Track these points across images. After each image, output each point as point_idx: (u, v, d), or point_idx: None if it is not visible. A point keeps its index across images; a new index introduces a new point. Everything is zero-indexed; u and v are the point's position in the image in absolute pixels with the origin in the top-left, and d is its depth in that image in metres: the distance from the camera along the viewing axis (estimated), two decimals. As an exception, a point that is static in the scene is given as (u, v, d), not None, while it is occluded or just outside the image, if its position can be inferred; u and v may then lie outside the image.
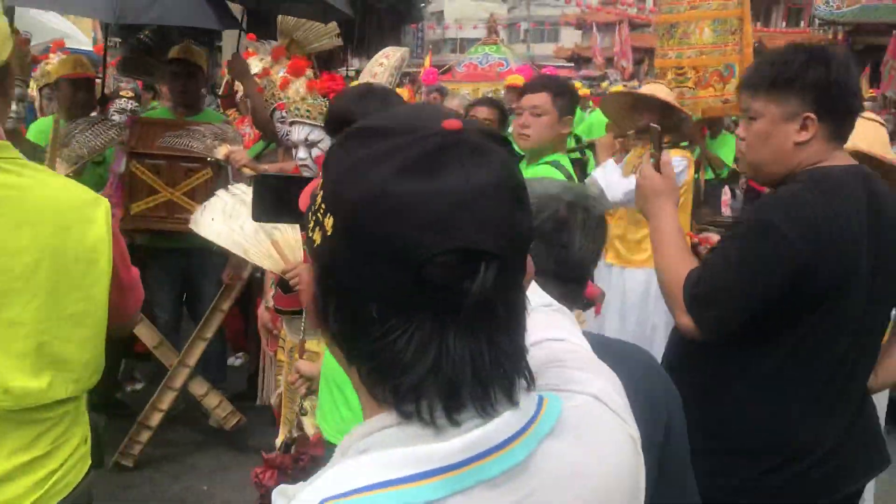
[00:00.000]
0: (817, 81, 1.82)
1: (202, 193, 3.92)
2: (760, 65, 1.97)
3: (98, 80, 4.42)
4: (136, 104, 5.25)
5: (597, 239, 1.43)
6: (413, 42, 46.35)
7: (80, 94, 4.14)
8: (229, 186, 3.22)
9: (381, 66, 4.46)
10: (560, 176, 3.00)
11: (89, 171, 4.22)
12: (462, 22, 51.06)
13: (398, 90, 4.56)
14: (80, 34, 10.81)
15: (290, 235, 2.97)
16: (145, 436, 3.91)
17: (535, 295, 1.05)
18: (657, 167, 2.07)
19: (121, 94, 5.27)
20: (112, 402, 4.57)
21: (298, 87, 3.44)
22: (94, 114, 4.09)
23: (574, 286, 1.42)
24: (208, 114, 4.29)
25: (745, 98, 1.94)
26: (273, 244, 2.98)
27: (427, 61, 10.61)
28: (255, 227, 2.99)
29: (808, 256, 1.74)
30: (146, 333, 3.95)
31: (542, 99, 3.10)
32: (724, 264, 1.86)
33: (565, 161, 3.21)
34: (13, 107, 3.54)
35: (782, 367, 1.85)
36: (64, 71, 4.14)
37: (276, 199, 1.37)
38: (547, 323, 0.96)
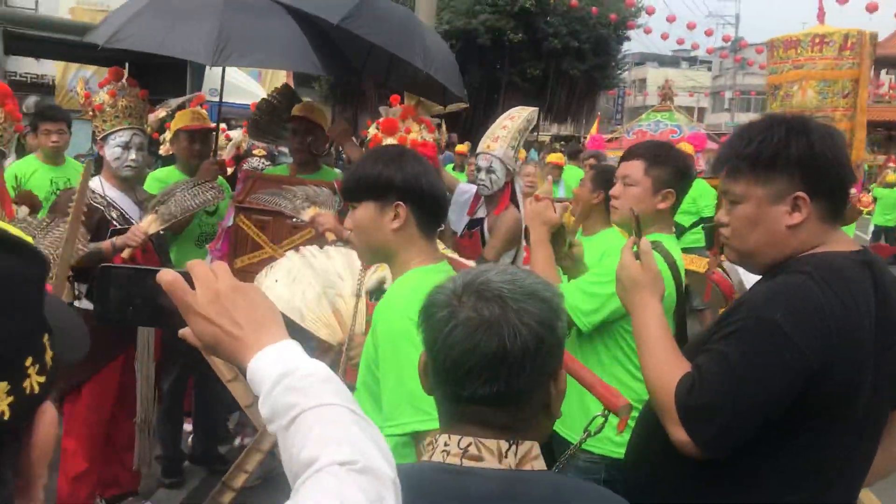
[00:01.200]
0: (801, 156, 1.63)
1: (304, 253, 3.87)
2: (734, 141, 1.75)
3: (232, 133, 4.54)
4: (269, 163, 5.35)
5: (474, 351, 1.17)
6: (612, 109, 46.17)
7: (196, 145, 4.23)
8: (300, 248, 3.12)
9: (504, 129, 4.26)
10: (659, 260, 2.62)
11: (201, 222, 4.29)
12: (660, 89, 50.04)
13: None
14: (263, 93, 11.45)
15: (351, 306, 2.79)
16: (228, 497, 3.80)
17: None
18: (636, 255, 1.89)
19: (254, 152, 5.41)
20: (213, 455, 4.55)
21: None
22: (213, 163, 4.15)
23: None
24: (325, 172, 4.24)
25: (725, 181, 1.75)
26: (335, 314, 2.82)
27: (594, 128, 10.29)
28: (318, 294, 2.84)
29: (819, 361, 1.55)
30: (240, 392, 3.87)
31: (633, 168, 2.76)
32: (720, 371, 1.62)
33: (670, 243, 2.81)
34: (132, 155, 3.64)
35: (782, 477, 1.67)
36: (182, 123, 4.25)
37: (124, 295, 1.14)
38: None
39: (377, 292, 3.00)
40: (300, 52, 3.69)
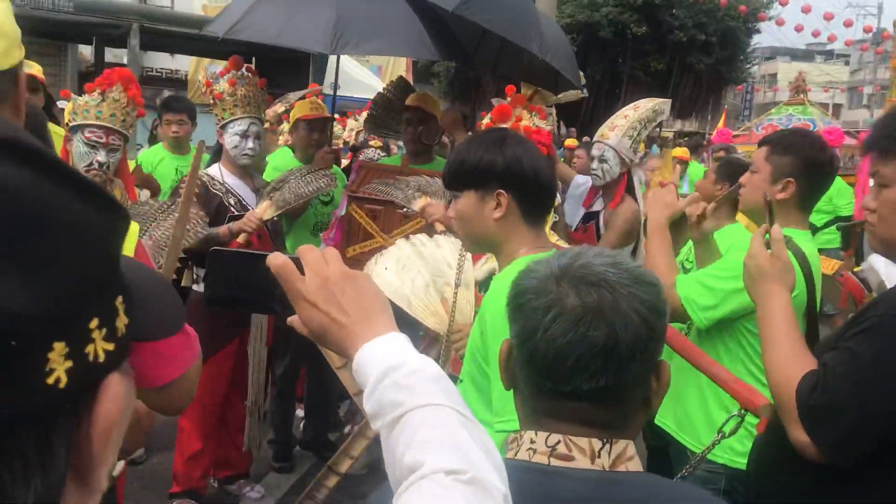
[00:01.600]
0: None
1: (415, 242, 3.85)
2: (887, 121, 1.63)
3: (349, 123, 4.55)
4: (384, 153, 5.36)
5: (582, 340, 1.05)
6: (740, 105, 44.46)
7: (315, 134, 4.27)
8: (410, 237, 3.08)
9: (625, 119, 4.10)
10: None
11: (316, 211, 4.33)
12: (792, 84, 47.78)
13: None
14: (381, 86, 11.58)
15: (462, 295, 2.73)
16: (333, 481, 3.82)
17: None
18: (768, 244, 1.78)
19: (370, 143, 5.43)
20: (323, 441, 4.60)
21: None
22: (329, 151, 4.18)
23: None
24: (438, 163, 4.20)
25: (874, 162, 1.60)
26: (442, 302, 2.76)
27: (721, 122, 9.85)
28: (426, 282, 2.80)
29: None
30: (349, 380, 3.88)
31: (758, 154, 2.58)
32: (849, 370, 1.50)
33: (802, 239, 2.60)
34: (249, 143, 3.71)
35: None
36: (301, 113, 4.30)
37: (233, 278, 1.09)
38: None
39: (487, 284, 2.93)
40: (417, 39, 3.66)
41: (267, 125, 5.10)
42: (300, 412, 4.81)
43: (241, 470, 4.04)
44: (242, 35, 3.64)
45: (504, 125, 3.14)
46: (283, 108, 4.73)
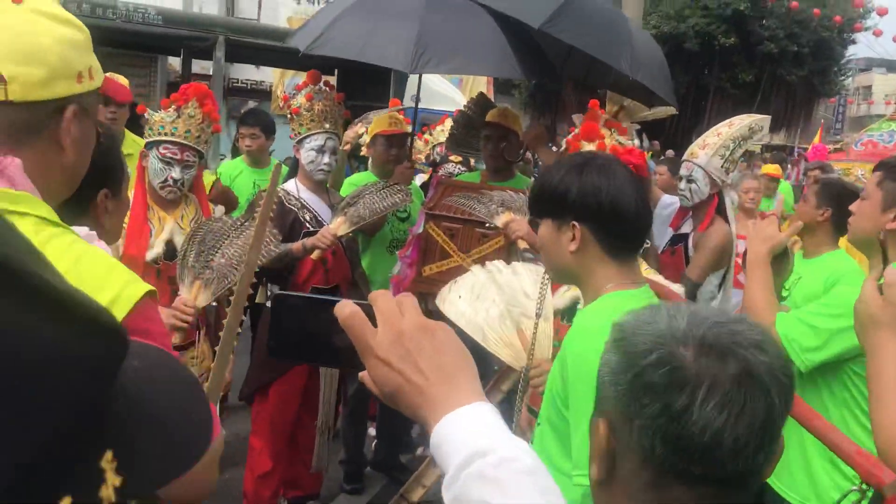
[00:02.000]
0: None
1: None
2: None
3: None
4: (464, 169, 5.24)
5: (741, 415, 0.86)
6: (832, 118, 42.95)
7: (393, 150, 4.18)
8: (486, 263, 2.93)
9: (718, 137, 3.88)
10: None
11: (393, 227, 4.23)
12: (893, 98, 46.00)
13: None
14: (463, 99, 11.49)
15: (541, 328, 2.57)
16: (405, 509, 3.71)
17: None
18: (881, 287, 1.61)
19: (450, 158, 5.31)
20: (394, 463, 4.49)
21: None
22: (408, 167, 4.09)
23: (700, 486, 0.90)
24: (518, 180, 4.06)
25: None
26: (518, 333, 2.61)
27: (817, 137, 9.37)
28: (501, 312, 2.65)
29: None
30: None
31: (870, 179, 2.37)
32: None
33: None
34: (325, 158, 3.64)
35: None
36: (379, 128, 4.21)
37: (298, 327, 0.96)
38: None
39: (570, 312, 2.77)
40: (500, 56, 3.53)
41: (346, 147, 5.04)
42: (372, 431, 4.72)
43: (312, 491, 3.96)
44: (324, 50, 3.59)
45: (590, 144, 2.97)
46: (363, 130, 4.66)
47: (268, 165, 5.06)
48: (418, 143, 5.90)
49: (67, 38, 1.18)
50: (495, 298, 2.64)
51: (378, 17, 3.63)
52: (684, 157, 4.00)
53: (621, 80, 3.76)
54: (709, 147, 3.78)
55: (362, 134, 4.86)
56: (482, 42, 3.59)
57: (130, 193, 2.68)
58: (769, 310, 2.37)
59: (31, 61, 1.14)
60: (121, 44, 8.78)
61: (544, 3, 3.57)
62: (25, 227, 1.09)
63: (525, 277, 2.72)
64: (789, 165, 11.57)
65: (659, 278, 2.50)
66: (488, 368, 3.14)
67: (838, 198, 3.31)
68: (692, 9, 22.61)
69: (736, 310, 4.03)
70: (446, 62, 3.46)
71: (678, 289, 2.51)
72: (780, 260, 2.41)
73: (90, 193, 1.63)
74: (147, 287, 1.18)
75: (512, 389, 3.37)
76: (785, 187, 9.09)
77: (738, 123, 3.90)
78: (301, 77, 12.43)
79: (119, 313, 1.11)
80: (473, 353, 0.87)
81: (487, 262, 2.84)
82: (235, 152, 6.35)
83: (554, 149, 3.71)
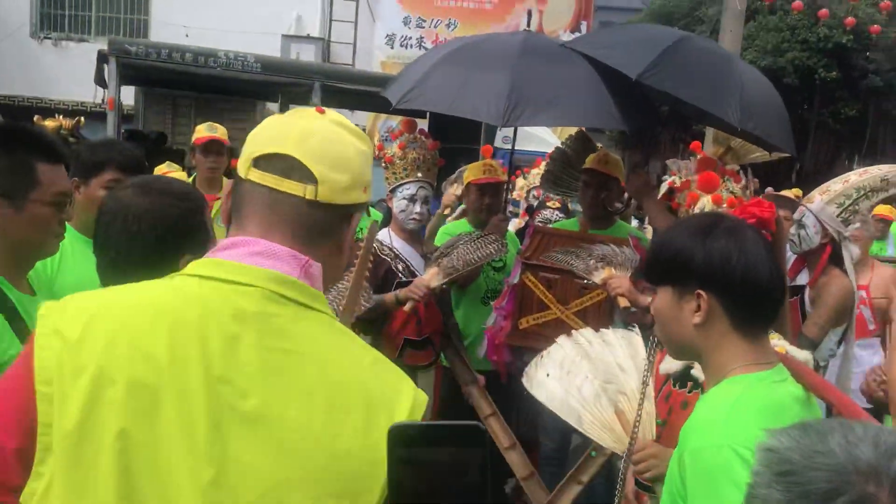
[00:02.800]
0: None
1: (594, 316, 3.53)
2: None
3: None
4: (562, 215, 5.09)
5: None
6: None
7: (486, 198, 4.08)
8: (573, 333, 2.72)
9: (843, 184, 3.62)
10: None
11: (488, 278, 4.12)
12: None
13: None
14: (557, 141, 11.35)
15: (645, 407, 2.38)
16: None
17: None
18: None
19: (547, 203, 5.18)
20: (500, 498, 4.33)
21: (704, 204, 2.86)
22: (503, 219, 3.98)
23: None
24: (618, 227, 3.89)
25: None
26: (618, 415, 2.41)
27: None
28: (596, 390, 2.45)
29: None
30: (517, 462, 3.59)
31: None
32: None
33: None
34: (417, 207, 3.57)
35: None
36: (473, 176, 4.12)
37: (414, 461, 0.82)
38: None
39: (683, 377, 2.57)
40: (596, 106, 3.41)
41: (447, 211, 4.95)
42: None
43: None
44: (415, 104, 3.56)
45: (707, 195, 2.79)
46: (459, 190, 4.58)
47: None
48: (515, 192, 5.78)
49: (364, 152, 1.25)
50: (588, 374, 2.44)
51: (470, 69, 3.55)
52: (803, 200, 3.78)
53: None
54: (828, 193, 3.54)
55: (461, 196, 4.77)
56: (577, 92, 3.48)
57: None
58: None
59: (339, 168, 1.20)
60: (222, 90, 9.06)
61: (643, 51, 3.43)
62: (321, 324, 1.17)
63: (618, 349, 2.52)
64: (902, 204, 10.94)
65: (785, 344, 2.29)
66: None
67: None
68: (790, 42, 21.96)
69: (863, 369, 3.73)
70: (539, 114, 3.36)
71: (805, 357, 2.29)
72: None
73: (173, 258, 1.55)
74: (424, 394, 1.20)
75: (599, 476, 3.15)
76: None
77: (872, 173, 3.63)
78: (394, 120, 12.54)
79: (417, 418, 1.14)
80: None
81: (575, 334, 2.64)
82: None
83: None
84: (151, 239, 1.59)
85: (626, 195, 3.91)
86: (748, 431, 1.38)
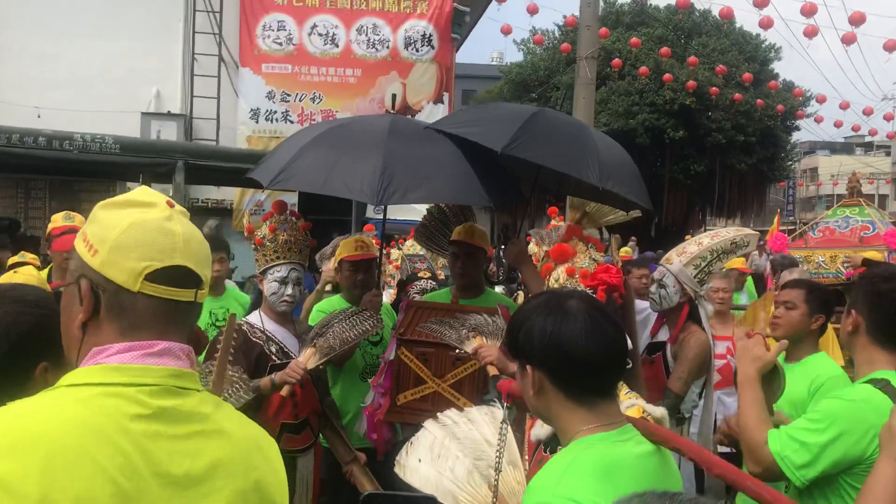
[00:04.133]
0: None
1: (469, 386, 3.58)
2: None
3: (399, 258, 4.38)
4: (435, 283, 5.17)
5: None
6: (783, 200, 44.16)
7: (360, 274, 4.10)
8: (438, 416, 2.76)
9: (697, 246, 3.86)
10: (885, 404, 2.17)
11: (365, 353, 4.11)
12: (839, 178, 47.66)
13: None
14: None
15: (510, 477, 2.43)
16: None
17: None
18: None
19: (419, 275, 5.25)
20: None
21: (559, 274, 2.98)
22: (377, 294, 4.00)
23: None
24: (487, 296, 3.99)
25: None
26: (490, 489, 2.45)
27: (774, 225, 9.43)
28: (468, 468, 2.48)
29: None
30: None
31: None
32: None
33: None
34: (288, 290, 3.54)
35: None
36: (346, 252, 4.14)
37: None
38: None
39: (553, 441, 2.64)
40: (465, 184, 3.51)
41: (329, 287, 4.93)
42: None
43: None
44: (287, 185, 3.56)
45: (562, 266, 2.91)
46: (335, 264, 4.60)
47: (224, 292, 4.90)
48: (388, 268, 5.82)
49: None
50: (457, 454, 2.48)
51: (340, 150, 3.59)
52: (661, 261, 3.99)
53: (593, 187, 3.76)
54: (685, 255, 3.77)
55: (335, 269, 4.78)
56: (445, 170, 3.57)
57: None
58: (761, 428, 2.32)
59: (207, 264, 1.35)
60: (80, 172, 8.74)
61: (505, 126, 3.57)
62: (206, 401, 1.32)
63: (483, 425, 2.57)
64: (755, 253, 11.67)
65: (641, 402, 2.40)
66: None
67: (829, 305, 3.30)
68: (640, 105, 23.38)
69: (720, 417, 3.94)
70: (412, 192, 3.41)
71: (661, 413, 2.41)
72: (770, 378, 2.36)
73: (30, 366, 1.56)
74: None
75: None
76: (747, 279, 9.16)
77: (722, 236, 3.89)
78: (262, 194, 12.37)
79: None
80: None
81: (440, 416, 2.68)
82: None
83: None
84: (4, 348, 1.57)
85: (505, 263, 4.03)
86: (576, 487, 1.48)
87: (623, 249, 10.48)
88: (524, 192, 4.30)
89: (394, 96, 5.00)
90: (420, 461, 2.43)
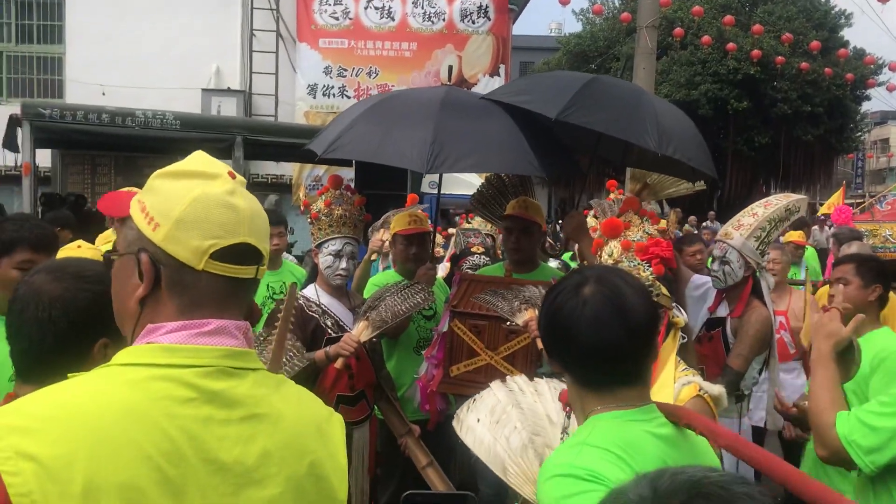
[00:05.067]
0: None
1: (522, 359, 3.57)
2: None
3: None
4: (488, 259, 5.13)
5: None
6: (851, 173, 42.76)
7: (413, 248, 4.10)
8: (507, 380, 2.75)
9: (753, 217, 3.75)
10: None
11: (419, 327, 4.12)
12: (910, 149, 46.00)
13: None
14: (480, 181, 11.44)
15: None
16: None
17: None
18: None
19: (472, 249, 5.22)
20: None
21: (612, 249, 2.92)
22: (430, 268, 3.99)
23: None
24: (542, 270, 3.95)
25: None
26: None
27: (838, 197, 9.05)
28: (524, 442, 2.45)
29: None
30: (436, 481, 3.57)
31: None
32: None
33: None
34: (342, 263, 3.56)
35: None
36: (399, 227, 4.14)
37: None
38: None
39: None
40: (517, 154, 3.47)
41: (374, 257, 4.95)
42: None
43: None
44: (340, 153, 3.57)
45: (614, 241, 2.85)
46: (387, 237, 4.60)
47: (281, 266, 4.96)
48: (438, 238, 5.80)
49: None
50: (517, 425, 2.44)
51: (393, 120, 3.60)
52: (717, 236, 3.89)
53: (655, 156, 3.67)
54: (744, 228, 3.66)
55: (386, 241, 4.79)
56: (498, 140, 3.54)
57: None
58: (832, 409, 2.22)
59: (266, 238, 1.31)
60: (141, 148, 8.92)
61: (559, 93, 3.52)
62: (265, 382, 1.27)
63: (549, 400, 2.54)
64: (815, 228, 11.33)
65: (698, 379, 2.35)
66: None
67: (884, 274, 3.19)
68: (702, 75, 22.81)
69: (787, 392, 3.84)
70: (462, 161, 3.40)
71: (719, 390, 2.35)
72: (846, 355, 2.27)
73: (89, 344, 1.53)
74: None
75: None
76: (809, 251, 8.91)
77: (775, 204, 3.78)
78: (321, 168, 12.47)
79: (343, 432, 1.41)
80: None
81: (509, 380, 2.66)
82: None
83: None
84: (64, 326, 1.55)
85: (563, 236, 3.98)
86: (595, 459, 1.45)
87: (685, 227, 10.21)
88: (582, 166, 4.24)
89: (450, 68, 4.99)
90: (478, 421, 2.42)
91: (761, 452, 1.46)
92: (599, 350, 1.55)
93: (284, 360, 3.08)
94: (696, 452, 1.61)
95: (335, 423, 1.37)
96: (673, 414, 1.61)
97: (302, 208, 3.77)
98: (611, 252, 2.84)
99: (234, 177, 1.27)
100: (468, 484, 4.02)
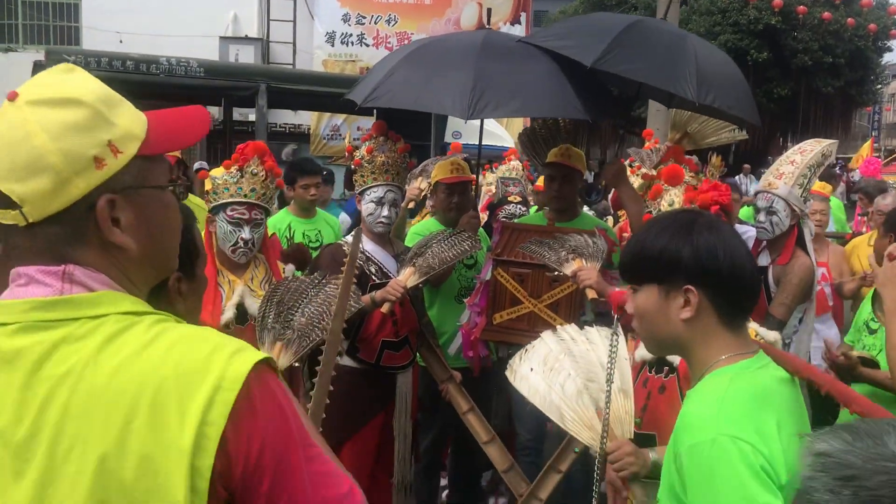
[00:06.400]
0: None
1: (566, 308, 3.59)
2: None
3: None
4: (525, 208, 5.13)
5: None
6: (868, 125, 42.26)
7: (455, 197, 4.10)
8: (558, 329, 2.76)
9: (792, 165, 3.74)
10: None
11: (460, 276, 4.15)
12: (930, 102, 45.35)
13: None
14: (508, 136, 11.39)
15: (619, 404, 2.43)
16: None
17: None
18: None
19: (509, 199, 5.22)
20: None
21: (672, 197, 2.92)
22: (474, 216, 4.00)
23: None
24: (583, 219, 3.95)
25: None
26: (598, 413, 2.46)
27: (864, 148, 8.99)
28: (578, 388, 2.48)
29: None
30: (496, 455, 3.63)
31: None
32: None
33: None
34: (384, 211, 3.57)
35: None
36: (441, 175, 4.13)
37: None
38: None
39: (658, 362, 2.64)
40: (560, 98, 3.42)
41: (412, 205, 4.95)
42: (443, 481, 4.61)
43: (389, 547, 3.84)
44: (380, 102, 3.54)
45: (675, 189, 2.85)
46: (426, 185, 4.58)
47: (315, 215, 4.98)
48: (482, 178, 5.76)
49: (66, 125, 1.02)
50: (570, 372, 2.47)
51: (432, 67, 3.55)
52: (759, 187, 3.87)
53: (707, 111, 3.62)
54: (786, 176, 3.65)
55: (424, 190, 4.78)
56: (539, 84, 3.49)
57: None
58: None
59: (32, 173, 1.00)
60: (164, 96, 8.88)
61: (598, 38, 3.46)
62: (105, 330, 1.01)
63: (601, 347, 2.55)
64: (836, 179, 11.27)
65: (755, 326, 2.36)
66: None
67: None
68: (722, 25, 22.44)
69: (820, 343, 3.86)
70: (504, 106, 3.36)
71: (774, 337, 2.37)
72: None
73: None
74: (254, 358, 1.02)
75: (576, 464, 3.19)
76: (835, 203, 8.86)
77: (811, 150, 3.76)
78: (339, 118, 12.40)
79: (226, 400, 0.98)
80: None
81: (560, 329, 2.67)
82: (282, 202, 6.25)
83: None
84: None
85: (602, 184, 3.96)
86: (741, 421, 1.45)
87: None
88: (624, 113, 4.19)
89: (489, 10, 4.89)
90: (532, 370, 2.45)
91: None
92: (752, 280, 1.63)
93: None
94: (801, 397, 1.64)
95: (194, 387, 0.98)
96: (789, 363, 1.61)
97: (346, 155, 3.76)
98: (671, 201, 2.84)
99: (13, 97, 1.05)
100: (505, 429, 4.08)
